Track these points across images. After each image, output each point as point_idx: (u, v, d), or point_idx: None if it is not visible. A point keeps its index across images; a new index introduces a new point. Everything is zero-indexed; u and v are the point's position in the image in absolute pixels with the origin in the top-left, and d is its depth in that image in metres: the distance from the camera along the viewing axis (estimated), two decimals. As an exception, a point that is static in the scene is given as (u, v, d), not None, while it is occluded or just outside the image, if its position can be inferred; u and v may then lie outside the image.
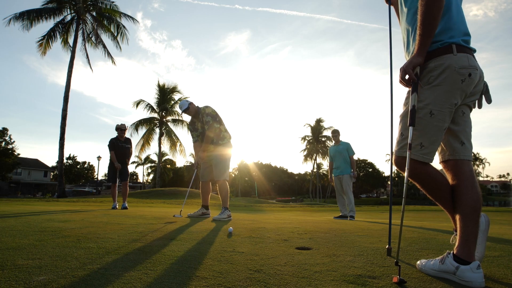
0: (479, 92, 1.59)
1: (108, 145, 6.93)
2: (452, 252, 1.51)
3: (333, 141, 6.99)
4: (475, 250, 1.48)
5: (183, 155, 32.34)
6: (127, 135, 7.28)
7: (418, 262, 1.68)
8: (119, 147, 6.97)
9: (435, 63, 1.49)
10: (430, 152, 1.50)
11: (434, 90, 1.48)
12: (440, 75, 1.47)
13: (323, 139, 57.25)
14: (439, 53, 1.49)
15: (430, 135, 1.48)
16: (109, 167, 6.99)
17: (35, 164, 55.24)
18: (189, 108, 4.70)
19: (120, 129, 7.06)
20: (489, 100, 1.62)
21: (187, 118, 5.19)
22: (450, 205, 1.57)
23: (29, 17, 19.14)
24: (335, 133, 6.94)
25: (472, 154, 1.64)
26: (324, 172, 70.38)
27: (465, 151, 1.58)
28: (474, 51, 1.56)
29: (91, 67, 21.86)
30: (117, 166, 6.80)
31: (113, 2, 21.49)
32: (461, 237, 1.50)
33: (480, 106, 1.63)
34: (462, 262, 1.44)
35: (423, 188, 1.57)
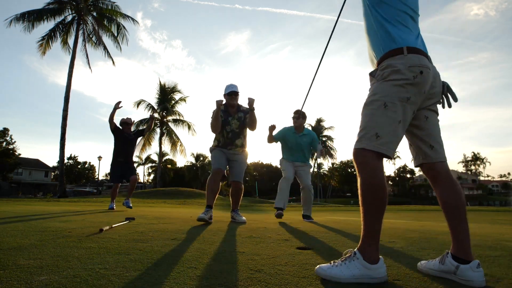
0: (439, 94, 1.63)
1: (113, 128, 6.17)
2: (449, 252, 1.52)
3: (294, 126, 4.87)
4: (470, 248, 1.49)
5: (184, 155, 32.41)
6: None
7: (419, 263, 1.68)
8: (124, 137, 6.22)
9: (388, 62, 1.55)
10: (385, 142, 1.47)
11: (387, 84, 1.52)
12: (392, 72, 1.52)
13: (323, 139, 57.19)
14: (391, 55, 1.55)
15: (385, 126, 1.48)
16: (111, 165, 6.24)
17: (36, 164, 55.32)
18: (238, 95, 4.04)
19: (126, 123, 6.38)
20: (455, 99, 1.67)
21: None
22: (375, 218, 1.46)
23: (29, 18, 19.15)
24: (298, 114, 4.75)
25: (445, 155, 1.66)
26: (325, 172, 70.35)
27: (436, 154, 1.61)
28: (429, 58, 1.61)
29: (90, 68, 21.87)
30: (117, 105, 6.04)
31: (114, 2, 21.53)
32: (453, 237, 1.53)
33: (450, 106, 1.69)
34: (462, 262, 1.45)
35: (363, 184, 1.48)
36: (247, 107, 4.05)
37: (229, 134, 4.05)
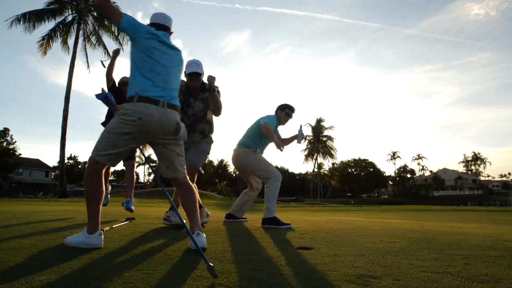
0: (172, 133, 2.12)
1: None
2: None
3: (282, 122, 4.12)
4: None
5: (184, 155, 32.38)
6: None
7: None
8: (123, 101, 4.14)
9: (125, 105, 2.09)
10: (100, 154, 2.05)
11: (117, 120, 2.08)
12: (123, 113, 2.05)
13: (324, 139, 57.22)
14: (128, 101, 2.09)
15: (103, 145, 2.07)
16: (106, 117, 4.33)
17: (36, 164, 55.32)
18: (201, 75, 3.20)
19: (127, 83, 3.81)
20: (185, 136, 2.21)
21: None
22: (91, 203, 2.04)
23: (30, 18, 19.16)
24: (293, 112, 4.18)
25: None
26: (325, 172, 70.31)
27: (170, 171, 2.23)
28: (171, 106, 2.12)
29: (89, 67, 21.88)
30: (117, 53, 4.34)
31: (114, 2, 21.53)
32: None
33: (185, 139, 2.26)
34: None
35: (84, 180, 2.08)
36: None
37: (190, 118, 3.28)
